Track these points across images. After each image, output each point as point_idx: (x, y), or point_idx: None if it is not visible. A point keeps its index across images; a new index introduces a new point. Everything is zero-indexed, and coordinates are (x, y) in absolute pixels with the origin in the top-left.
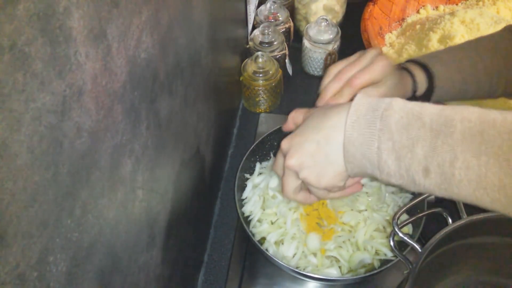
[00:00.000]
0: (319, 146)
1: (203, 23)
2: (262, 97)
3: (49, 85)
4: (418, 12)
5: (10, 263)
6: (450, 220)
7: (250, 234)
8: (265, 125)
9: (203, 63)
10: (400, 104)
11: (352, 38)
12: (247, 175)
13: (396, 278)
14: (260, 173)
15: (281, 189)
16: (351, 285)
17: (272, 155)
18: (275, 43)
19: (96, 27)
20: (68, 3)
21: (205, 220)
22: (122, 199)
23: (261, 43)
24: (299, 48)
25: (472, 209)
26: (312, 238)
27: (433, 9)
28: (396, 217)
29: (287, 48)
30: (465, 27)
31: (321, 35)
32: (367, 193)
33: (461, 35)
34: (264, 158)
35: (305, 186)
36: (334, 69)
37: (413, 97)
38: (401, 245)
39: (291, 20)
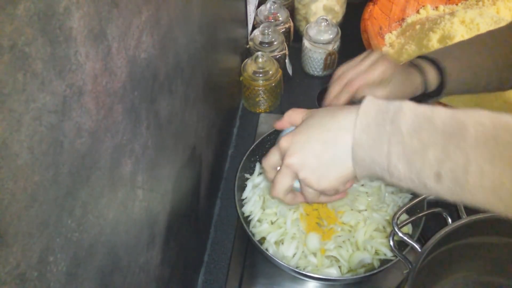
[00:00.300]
0: (325, 147)
1: (203, 23)
2: (262, 97)
3: (49, 85)
4: (418, 12)
5: (10, 263)
6: (450, 220)
7: (250, 234)
8: (265, 125)
9: (203, 63)
10: (411, 107)
11: (352, 38)
12: (247, 175)
13: (396, 278)
14: (260, 173)
15: (271, 187)
16: (351, 285)
17: None
18: (275, 43)
19: (96, 27)
20: (68, 3)
21: (205, 220)
22: (122, 199)
23: (261, 43)
24: (299, 48)
25: (472, 209)
26: (312, 238)
27: (433, 9)
28: (396, 217)
29: (287, 48)
30: (465, 27)
31: (321, 35)
32: (367, 193)
33: (461, 35)
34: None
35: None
36: (339, 71)
37: (424, 93)
38: (401, 245)
39: (291, 20)
